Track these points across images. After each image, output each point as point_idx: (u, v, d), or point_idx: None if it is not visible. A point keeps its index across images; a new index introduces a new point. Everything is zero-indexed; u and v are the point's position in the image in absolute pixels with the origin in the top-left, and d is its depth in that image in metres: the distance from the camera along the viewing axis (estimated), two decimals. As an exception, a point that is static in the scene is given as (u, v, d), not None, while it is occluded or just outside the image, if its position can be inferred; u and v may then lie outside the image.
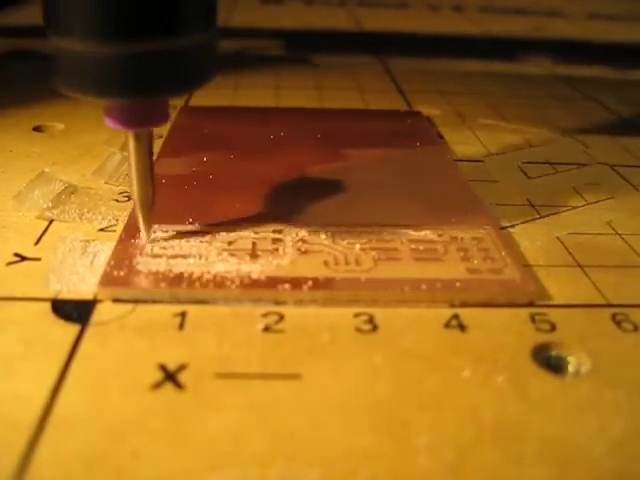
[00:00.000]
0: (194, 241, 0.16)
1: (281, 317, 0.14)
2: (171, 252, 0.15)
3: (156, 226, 0.16)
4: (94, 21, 0.12)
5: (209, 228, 0.16)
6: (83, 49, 0.13)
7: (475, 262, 0.16)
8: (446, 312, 0.14)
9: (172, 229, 0.16)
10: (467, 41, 0.44)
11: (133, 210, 0.17)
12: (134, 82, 0.13)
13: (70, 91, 0.13)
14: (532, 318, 0.14)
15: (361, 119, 0.26)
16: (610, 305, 0.15)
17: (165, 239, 0.16)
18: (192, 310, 0.14)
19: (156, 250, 0.15)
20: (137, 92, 0.13)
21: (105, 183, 0.20)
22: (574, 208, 0.19)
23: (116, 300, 0.14)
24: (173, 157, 0.21)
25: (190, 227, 0.16)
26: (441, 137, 0.25)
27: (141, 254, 0.15)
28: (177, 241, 0.16)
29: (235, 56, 0.36)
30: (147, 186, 0.15)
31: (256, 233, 0.16)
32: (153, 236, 0.16)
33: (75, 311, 0.14)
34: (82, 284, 0.14)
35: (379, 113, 0.28)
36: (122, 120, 0.14)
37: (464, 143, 0.24)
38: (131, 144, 0.15)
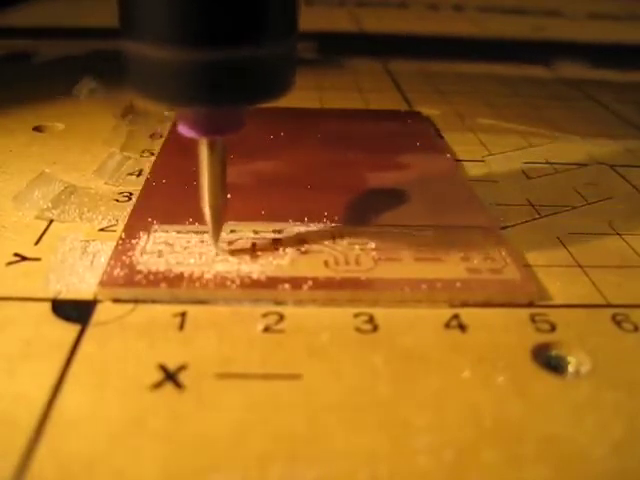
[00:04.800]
0: (194, 241, 0.16)
1: (281, 317, 0.14)
2: (171, 252, 0.15)
3: (156, 226, 0.16)
4: (176, 27, 0.12)
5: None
6: (161, 55, 0.12)
7: (475, 262, 0.16)
8: (446, 312, 0.14)
9: (172, 229, 0.16)
10: (467, 41, 0.44)
11: (134, 211, 0.17)
12: (211, 91, 0.13)
13: (147, 98, 0.13)
14: (532, 318, 0.14)
15: (361, 119, 0.26)
16: (610, 305, 0.15)
17: (165, 239, 0.16)
18: (192, 310, 0.14)
19: (156, 250, 0.15)
20: (214, 101, 0.13)
21: (105, 183, 0.20)
22: (574, 208, 0.19)
23: (116, 300, 0.14)
24: (173, 157, 0.21)
25: (190, 227, 0.16)
26: (441, 137, 0.25)
27: (141, 254, 0.15)
28: (177, 241, 0.16)
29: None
30: (219, 196, 0.15)
31: (256, 233, 0.16)
32: (153, 236, 0.16)
33: (75, 311, 0.14)
34: (82, 284, 0.14)
35: (379, 113, 0.28)
36: (198, 128, 0.14)
37: (464, 143, 0.24)
38: (204, 152, 0.14)
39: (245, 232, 0.16)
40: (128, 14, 0.13)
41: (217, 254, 0.15)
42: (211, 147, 0.14)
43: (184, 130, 0.14)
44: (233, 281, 0.14)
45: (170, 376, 0.12)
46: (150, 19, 0.12)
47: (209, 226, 0.15)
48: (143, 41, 0.12)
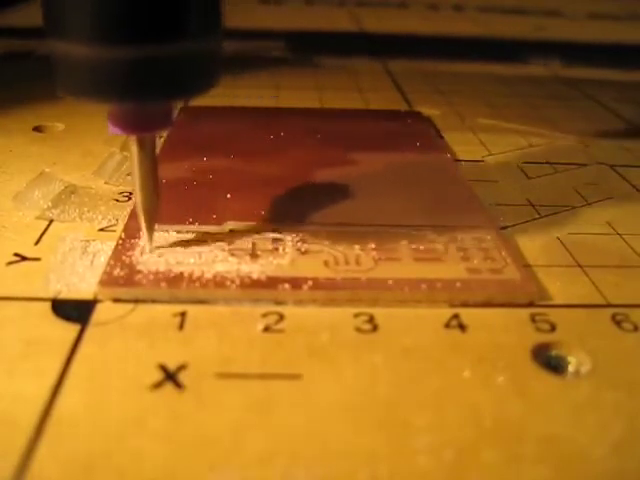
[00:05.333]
0: (194, 241, 0.16)
1: (281, 317, 0.14)
2: (171, 252, 0.15)
3: (156, 226, 0.16)
4: (97, 24, 0.12)
5: (209, 228, 0.16)
6: (85, 53, 0.12)
7: (475, 262, 0.16)
8: (446, 312, 0.14)
9: (172, 229, 0.16)
10: (467, 41, 0.44)
11: (134, 211, 0.17)
12: (137, 86, 0.13)
13: (71, 95, 0.13)
14: (532, 318, 0.14)
15: (361, 119, 0.26)
16: (610, 305, 0.15)
17: (165, 239, 0.16)
18: (192, 310, 0.14)
19: (156, 250, 0.15)
20: (140, 96, 0.13)
21: (105, 183, 0.20)
22: (574, 208, 0.19)
23: (116, 300, 0.14)
24: (173, 157, 0.21)
25: (190, 227, 0.16)
26: (441, 137, 0.25)
27: (141, 254, 0.15)
28: (177, 241, 0.16)
29: (235, 57, 0.36)
30: (151, 193, 0.15)
31: (256, 233, 0.16)
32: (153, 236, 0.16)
33: (75, 311, 0.14)
34: (82, 284, 0.14)
35: (379, 113, 0.28)
36: (125, 125, 0.14)
37: (464, 143, 0.24)
38: (134, 149, 0.14)
39: (245, 232, 0.16)
40: (52, 13, 0.13)
41: (151, 251, 0.15)
42: (140, 144, 0.14)
43: (113, 128, 0.14)
44: (233, 281, 0.14)
45: (170, 376, 0.12)
46: (73, 17, 0.12)
47: (141, 223, 0.15)
48: (67, 39, 0.12)
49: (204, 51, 0.13)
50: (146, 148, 0.14)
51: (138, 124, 0.14)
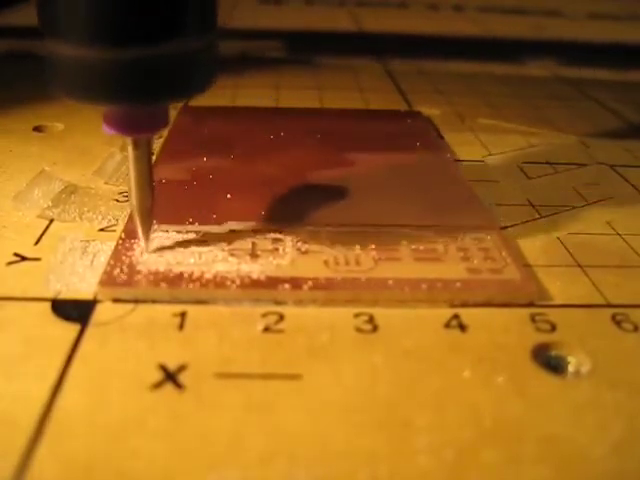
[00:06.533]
0: (194, 241, 0.16)
1: (281, 317, 0.14)
2: (171, 252, 0.15)
3: (156, 226, 0.16)
4: (91, 26, 0.12)
5: (209, 228, 0.16)
6: (80, 54, 0.12)
7: (475, 262, 0.16)
8: (446, 312, 0.14)
9: (172, 229, 0.16)
10: (467, 41, 0.44)
11: (132, 213, 0.17)
12: (132, 88, 0.13)
13: (67, 96, 0.13)
14: (532, 318, 0.14)
15: (361, 119, 0.26)
16: (610, 305, 0.15)
17: (165, 239, 0.16)
18: (192, 310, 0.14)
19: (156, 250, 0.15)
20: (135, 98, 0.13)
21: (105, 183, 0.20)
22: (574, 208, 0.19)
23: (116, 300, 0.14)
24: (173, 157, 0.21)
25: (190, 227, 0.16)
26: (441, 137, 0.25)
27: (141, 254, 0.15)
28: (177, 241, 0.16)
29: (235, 57, 0.36)
30: (146, 193, 0.15)
31: (256, 233, 0.16)
32: (153, 236, 0.16)
33: (75, 311, 0.14)
34: (82, 284, 0.14)
35: (379, 113, 0.28)
36: (120, 126, 0.14)
37: (464, 143, 0.24)
38: (130, 151, 0.14)
39: (245, 232, 0.16)
40: (48, 14, 0.13)
41: (148, 252, 0.15)
42: (135, 145, 0.14)
43: (108, 129, 0.14)
44: (233, 281, 0.14)
45: (170, 376, 0.12)
46: (70, 19, 0.12)
47: (137, 223, 0.15)
48: (64, 41, 0.12)
49: (198, 51, 0.13)
50: (141, 148, 0.14)
51: (133, 125, 0.14)
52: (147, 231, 0.15)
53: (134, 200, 0.15)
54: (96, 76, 0.13)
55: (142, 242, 0.15)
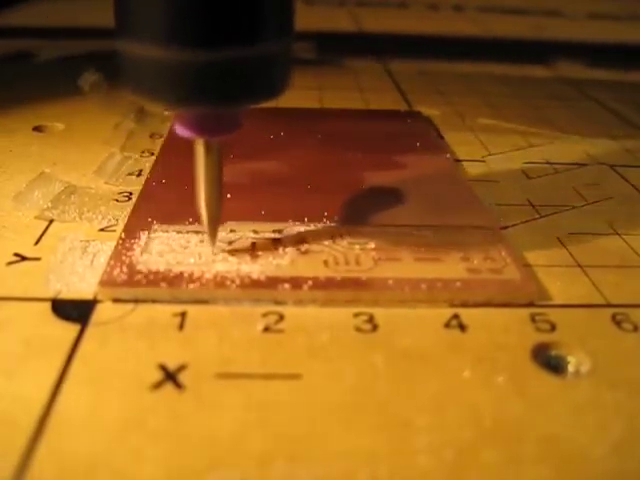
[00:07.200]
0: (194, 241, 0.16)
1: (281, 317, 0.14)
2: (171, 252, 0.15)
3: (156, 226, 0.16)
4: (174, 27, 0.12)
5: (209, 228, 0.16)
6: (161, 56, 0.12)
7: (475, 262, 0.16)
8: (446, 312, 0.14)
9: (172, 229, 0.16)
10: (467, 41, 0.44)
11: (133, 211, 0.17)
12: (211, 91, 0.13)
13: (143, 97, 0.13)
14: (532, 318, 0.14)
15: (361, 119, 0.26)
16: (610, 305, 0.15)
17: (165, 239, 0.16)
18: (192, 310, 0.14)
19: (156, 250, 0.15)
20: (214, 101, 0.13)
21: (105, 183, 0.20)
22: (574, 208, 0.19)
23: (116, 300, 0.14)
24: (173, 157, 0.21)
25: (190, 227, 0.16)
26: (441, 137, 0.25)
27: (141, 254, 0.15)
28: (177, 241, 0.16)
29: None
30: (215, 197, 0.15)
31: (256, 233, 0.16)
32: (153, 236, 0.16)
33: (75, 311, 0.14)
34: (82, 284, 0.14)
35: (379, 113, 0.28)
36: (194, 128, 0.14)
37: (464, 143, 0.24)
38: (201, 153, 0.14)
39: (245, 232, 0.16)
40: (125, 14, 0.12)
41: (215, 254, 0.15)
42: (207, 148, 0.14)
43: (181, 130, 0.14)
44: (233, 281, 0.14)
45: (170, 376, 0.12)
46: (148, 19, 0.12)
47: (205, 228, 0.15)
48: (141, 42, 0.12)
49: (276, 56, 0.13)
50: (213, 152, 0.14)
51: (207, 127, 0.14)
52: (214, 233, 0.15)
53: (203, 206, 0.15)
54: (175, 79, 0.12)
55: (209, 244, 0.15)
